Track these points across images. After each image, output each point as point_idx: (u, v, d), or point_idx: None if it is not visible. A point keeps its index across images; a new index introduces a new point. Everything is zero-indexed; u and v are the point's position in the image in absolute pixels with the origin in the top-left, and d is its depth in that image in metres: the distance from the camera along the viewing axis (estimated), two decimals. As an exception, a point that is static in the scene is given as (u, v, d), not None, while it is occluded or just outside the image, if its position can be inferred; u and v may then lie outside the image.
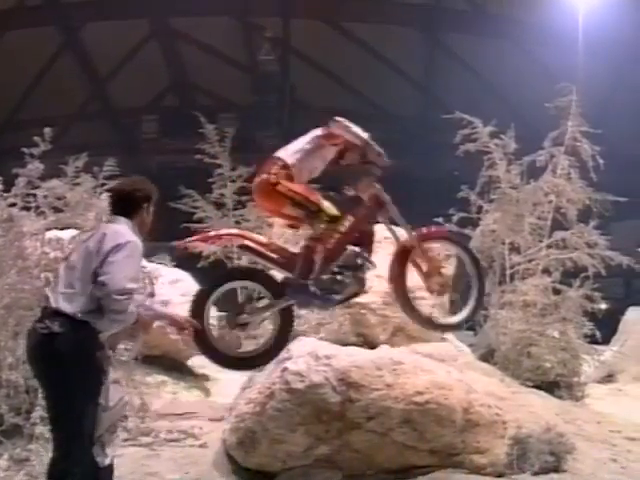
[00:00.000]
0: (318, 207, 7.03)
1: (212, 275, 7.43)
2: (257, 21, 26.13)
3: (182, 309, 9.26)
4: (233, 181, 11.71)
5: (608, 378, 12.04)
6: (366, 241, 7.34)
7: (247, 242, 7.07)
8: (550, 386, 8.80)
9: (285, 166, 7.18)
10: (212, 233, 7.31)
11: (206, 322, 6.77)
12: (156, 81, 27.88)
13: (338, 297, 7.13)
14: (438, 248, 8.39)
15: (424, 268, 7.34)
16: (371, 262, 7.11)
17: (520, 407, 7.35)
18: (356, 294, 7.25)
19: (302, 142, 7.48)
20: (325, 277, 6.95)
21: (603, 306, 9.53)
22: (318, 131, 7.66)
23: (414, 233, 7.31)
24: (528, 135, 10.00)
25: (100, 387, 4.83)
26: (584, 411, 8.34)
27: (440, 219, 9.50)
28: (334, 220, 7.08)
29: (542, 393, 8.46)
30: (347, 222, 7.21)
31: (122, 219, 5.07)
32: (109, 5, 24.79)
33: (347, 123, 7.62)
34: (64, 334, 4.70)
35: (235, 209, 11.70)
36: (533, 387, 8.59)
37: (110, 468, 4.96)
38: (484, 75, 25.00)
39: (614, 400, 10.36)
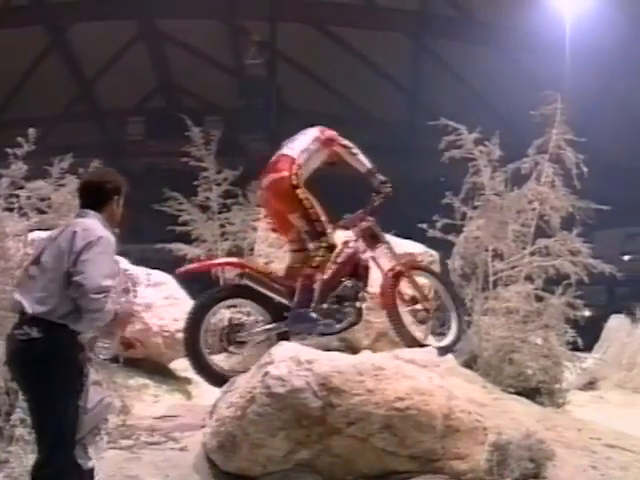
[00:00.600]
0: (323, 231, 7.30)
1: (211, 291, 7.45)
2: (244, 24, 26.14)
3: (165, 311, 9.34)
4: (218, 184, 11.72)
5: (590, 385, 12.09)
6: (361, 273, 7.50)
7: (248, 270, 7.19)
8: (531, 393, 8.81)
9: (299, 166, 7.32)
10: (214, 261, 7.41)
11: (202, 339, 6.92)
12: (143, 83, 27.89)
13: (339, 325, 7.31)
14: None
15: (411, 294, 7.52)
16: (367, 293, 7.27)
17: (501, 413, 7.36)
18: (355, 324, 7.41)
19: (306, 142, 7.61)
20: (325, 306, 7.14)
21: (587, 313, 9.57)
22: (317, 132, 7.75)
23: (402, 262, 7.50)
24: (513, 142, 10.02)
25: (81, 389, 4.80)
26: (565, 418, 8.36)
27: (424, 225, 9.55)
28: (331, 248, 7.30)
29: (523, 400, 8.47)
30: (343, 253, 7.37)
31: (91, 213, 4.99)
32: (96, 6, 24.76)
33: (354, 149, 7.92)
34: (43, 339, 4.65)
35: (220, 212, 11.71)
36: (515, 394, 8.60)
37: (92, 470, 4.93)
38: (470, 81, 25.11)
39: (595, 407, 10.39)
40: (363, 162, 8.00)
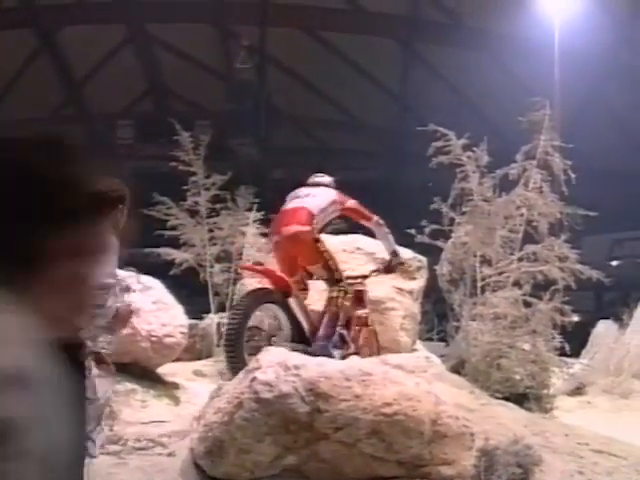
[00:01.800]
0: (341, 278, 8.00)
1: (256, 291, 7.78)
2: (234, 29, 26.16)
3: (153, 316, 9.31)
4: (207, 189, 11.70)
5: (577, 391, 12.11)
6: (349, 324, 8.12)
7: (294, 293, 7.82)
8: (519, 398, 8.83)
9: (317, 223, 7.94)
10: (276, 273, 7.68)
11: (244, 339, 7.29)
12: (132, 86, 27.85)
13: (339, 354, 7.67)
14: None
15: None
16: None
17: (488, 419, 7.38)
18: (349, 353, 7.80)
19: (324, 200, 8.01)
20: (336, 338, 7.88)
21: (574, 319, 9.60)
22: (335, 195, 8.12)
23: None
24: (501, 148, 10.06)
25: (84, 382, 4.88)
26: (552, 423, 8.38)
27: (412, 230, 9.57)
28: (346, 292, 8.00)
29: (511, 405, 8.49)
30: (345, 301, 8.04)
31: None
32: (86, 9, 24.73)
33: (384, 229, 8.40)
34: None
35: (209, 217, 11.69)
36: (502, 399, 8.62)
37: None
38: (459, 87, 25.18)
39: (583, 413, 10.42)
40: (391, 242, 8.49)
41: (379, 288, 9.01)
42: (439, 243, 9.72)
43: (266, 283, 7.92)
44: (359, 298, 8.29)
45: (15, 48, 24.77)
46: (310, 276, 8.16)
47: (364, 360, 7.37)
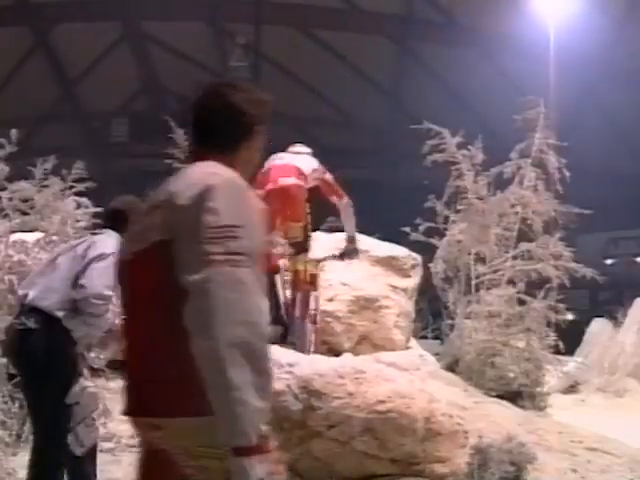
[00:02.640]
0: (308, 249, 7.96)
1: None
2: (229, 27, 26.12)
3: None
4: (202, 187, 11.68)
5: (571, 389, 12.14)
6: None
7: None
8: (513, 396, 8.83)
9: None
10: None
11: None
12: (127, 85, 27.81)
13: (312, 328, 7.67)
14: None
15: None
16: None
17: (482, 417, 7.39)
18: None
19: (309, 165, 7.91)
20: None
21: (569, 317, 9.61)
22: (316, 164, 8.08)
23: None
24: (496, 146, 10.05)
25: (72, 382, 5.06)
26: (546, 421, 8.39)
27: (407, 228, 9.57)
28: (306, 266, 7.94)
29: (505, 403, 8.49)
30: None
31: (112, 232, 5.33)
32: (80, 7, 24.68)
33: (350, 209, 8.41)
34: (38, 330, 4.96)
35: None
36: (496, 397, 8.62)
37: (92, 455, 5.24)
38: (454, 85, 25.18)
39: (577, 410, 10.44)
40: (352, 228, 8.50)
41: (373, 286, 9.01)
42: (434, 241, 9.72)
43: None
44: (312, 282, 8.22)
45: (9, 46, 24.71)
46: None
47: (358, 358, 7.37)
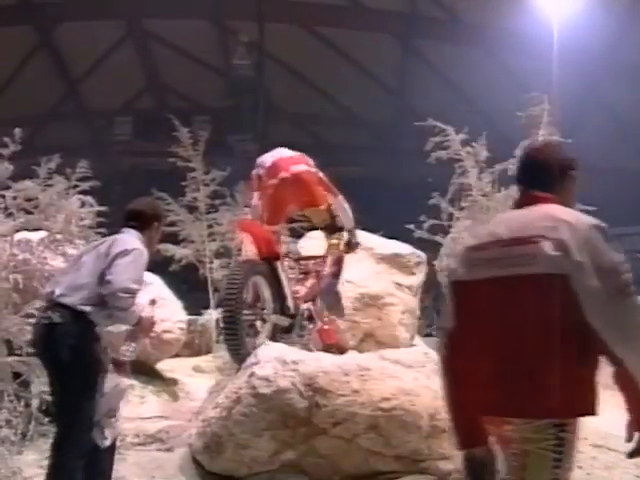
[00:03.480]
0: (342, 226, 7.95)
1: (248, 264, 7.66)
2: (232, 25, 26.12)
3: (152, 312, 9.28)
4: (206, 185, 11.70)
5: (576, 385, 12.10)
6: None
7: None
8: (518, 393, 8.81)
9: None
10: (266, 237, 7.62)
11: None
12: (130, 83, 27.80)
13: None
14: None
15: None
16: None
17: (487, 414, 7.38)
18: None
19: (311, 162, 7.91)
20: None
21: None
22: (311, 162, 8.18)
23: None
24: (500, 143, 10.04)
25: (97, 375, 5.23)
26: (551, 418, 8.36)
27: (411, 226, 9.56)
28: (348, 243, 7.98)
29: (510, 400, 8.47)
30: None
31: (133, 231, 5.60)
32: (84, 5, 24.67)
33: (345, 205, 8.18)
34: (63, 324, 5.15)
35: (208, 213, 11.69)
36: (501, 394, 8.60)
37: (111, 448, 5.44)
38: (457, 83, 25.15)
39: (582, 407, 10.40)
40: (350, 220, 8.33)
41: (378, 283, 9.01)
42: (438, 238, 9.70)
43: (250, 247, 7.87)
44: (347, 251, 8.19)
45: (13, 45, 24.70)
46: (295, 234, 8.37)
47: (362, 355, 7.37)
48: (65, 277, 5.50)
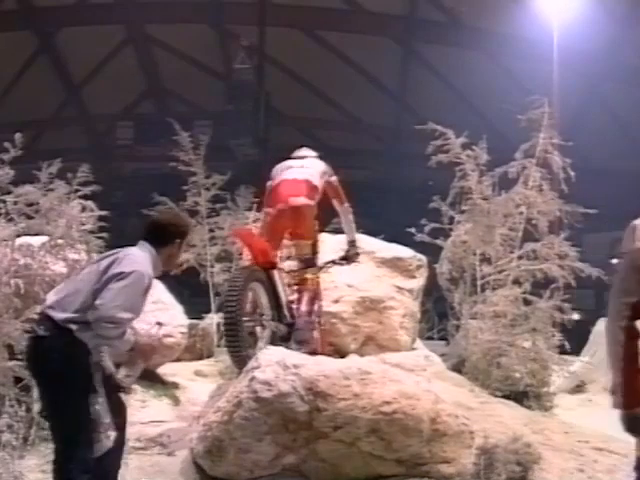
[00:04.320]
0: (315, 264, 8.10)
1: (246, 270, 7.79)
2: (232, 29, 26.14)
3: (153, 316, 9.28)
4: (207, 189, 11.68)
5: (578, 388, 12.08)
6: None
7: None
8: (519, 396, 8.82)
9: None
10: (261, 246, 7.66)
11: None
12: (131, 87, 27.84)
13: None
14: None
15: None
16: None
17: (488, 417, 7.39)
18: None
19: (316, 171, 8.19)
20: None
21: (575, 317, 9.58)
22: (323, 166, 8.16)
23: None
24: (500, 147, 10.05)
25: (85, 388, 4.97)
26: (552, 421, 8.37)
27: (412, 229, 9.57)
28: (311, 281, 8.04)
29: (511, 403, 8.48)
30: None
31: (148, 247, 5.29)
32: (85, 10, 24.71)
33: (350, 215, 8.49)
34: (49, 338, 4.97)
35: (209, 217, 11.67)
36: (502, 397, 8.61)
37: (119, 447, 5.25)
38: (458, 86, 25.16)
39: (583, 411, 10.39)
40: (353, 231, 8.57)
41: (379, 287, 9.02)
42: (439, 242, 9.71)
43: (248, 255, 7.96)
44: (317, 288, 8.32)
45: (14, 50, 24.74)
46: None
47: (363, 359, 7.37)
48: (61, 288, 5.33)
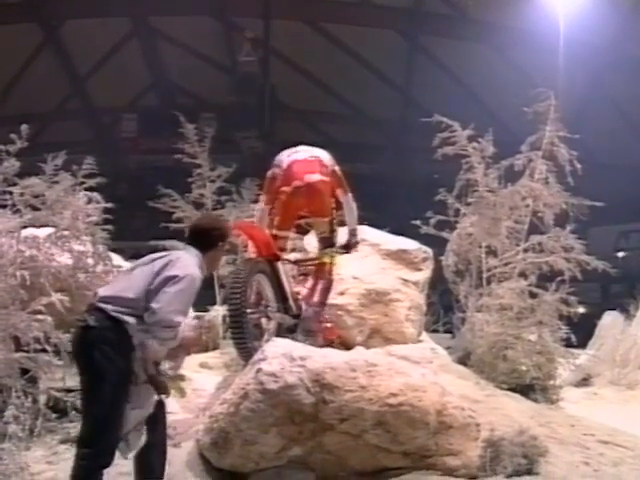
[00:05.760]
0: (335, 243, 8.13)
1: (251, 262, 7.78)
2: (238, 22, 26.11)
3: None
4: (212, 181, 11.68)
5: (583, 382, 12.09)
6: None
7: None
8: (525, 389, 8.82)
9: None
10: (265, 238, 7.66)
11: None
12: (136, 80, 27.84)
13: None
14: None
15: None
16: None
17: (494, 410, 7.38)
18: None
19: (324, 156, 8.13)
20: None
21: (580, 310, 9.57)
22: (328, 155, 8.14)
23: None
24: (506, 139, 10.01)
25: (126, 384, 5.14)
26: (558, 414, 8.37)
27: (418, 222, 9.55)
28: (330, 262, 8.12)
29: (517, 396, 8.48)
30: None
31: (194, 251, 5.51)
32: (89, 3, 24.69)
33: (353, 204, 8.44)
34: (98, 329, 5.11)
35: (214, 209, 11.67)
36: (508, 390, 8.61)
37: (161, 442, 5.50)
38: (463, 79, 25.12)
39: (589, 404, 10.40)
40: (354, 221, 8.54)
41: (384, 279, 9.01)
42: (445, 234, 9.69)
43: (252, 247, 7.98)
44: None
45: (19, 43, 24.74)
46: (301, 231, 8.47)
47: (369, 351, 7.36)
48: (114, 284, 5.55)
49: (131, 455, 5.29)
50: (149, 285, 5.17)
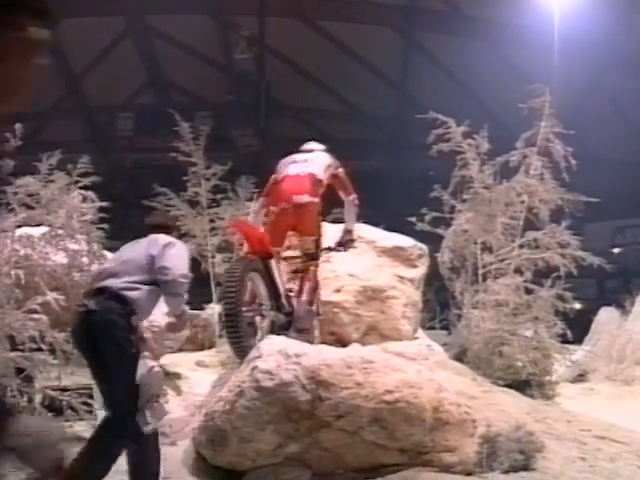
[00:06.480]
0: (318, 257, 8.22)
1: (244, 260, 7.83)
2: (233, 19, 26.07)
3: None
4: (208, 179, 11.67)
5: (580, 377, 12.11)
6: None
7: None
8: (521, 385, 8.83)
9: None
10: (258, 236, 7.70)
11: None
12: (131, 78, 27.73)
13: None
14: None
15: None
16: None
17: (491, 406, 7.38)
18: None
19: (321, 165, 8.11)
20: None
21: (576, 306, 9.58)
22: (329, 159, 8.20)
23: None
24: (501, 135, 10.03)
25: (131, 362, 5.36)
26: (555, 410, 8.38)
27: (413, 218, 9.56)
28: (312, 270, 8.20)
29: (513, 392, 8.49)
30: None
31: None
32: (85, 1, 24.62)
33: (354, 207, 8.59)
34: (98, 311, 5.32)
35: (210, 207, 11.66)
36: (504, 386, 8.62)
37: (155, 435, 5.57)
38: (459, 75, 25.09)
39: (585, 399, 10.42)
40: (353, 221, 8.67)
41: (380, 276, 9.02)
42: (440, 231, 9.70)
43: (245, 245, 8.03)
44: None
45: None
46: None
47: (366, 348, 7.36)
48: (106, 270, 5.75)
49: (149, 429, 5.41)
50: (149, 252, 5.54)
